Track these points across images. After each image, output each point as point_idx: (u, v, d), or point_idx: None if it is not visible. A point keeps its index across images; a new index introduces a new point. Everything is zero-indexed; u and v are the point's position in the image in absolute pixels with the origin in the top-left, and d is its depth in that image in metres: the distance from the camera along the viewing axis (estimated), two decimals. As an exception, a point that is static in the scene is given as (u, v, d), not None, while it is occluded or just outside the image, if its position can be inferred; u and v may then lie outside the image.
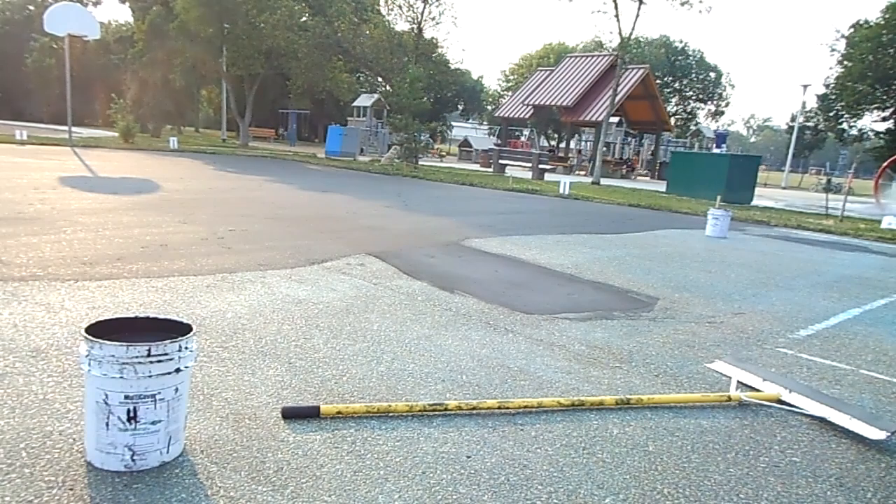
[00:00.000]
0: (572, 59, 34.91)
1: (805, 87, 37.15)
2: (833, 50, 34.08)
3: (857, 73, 30.98)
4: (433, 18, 30.92)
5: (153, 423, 2.18)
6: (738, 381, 3.59)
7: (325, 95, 39.06)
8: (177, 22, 29.57)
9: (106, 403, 2.13)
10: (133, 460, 2.18)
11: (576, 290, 5.75)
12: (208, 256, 5.73)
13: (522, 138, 43.81)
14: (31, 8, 48.22)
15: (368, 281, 5.33)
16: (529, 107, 33.28)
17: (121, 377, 2.11)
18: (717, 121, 62.89)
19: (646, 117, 33.95)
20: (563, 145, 42.18)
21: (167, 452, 2.25)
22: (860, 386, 3.76)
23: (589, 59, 33.63)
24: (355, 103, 39.14)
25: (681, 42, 59.10)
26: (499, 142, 36.63)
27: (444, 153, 43.85)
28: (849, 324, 5.26)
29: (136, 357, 2.11)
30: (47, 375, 2.89)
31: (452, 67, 39.88)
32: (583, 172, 31.66)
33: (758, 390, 3.48)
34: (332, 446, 2.49)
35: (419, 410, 2.84)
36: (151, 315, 2.52)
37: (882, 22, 30.45)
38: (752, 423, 3.08)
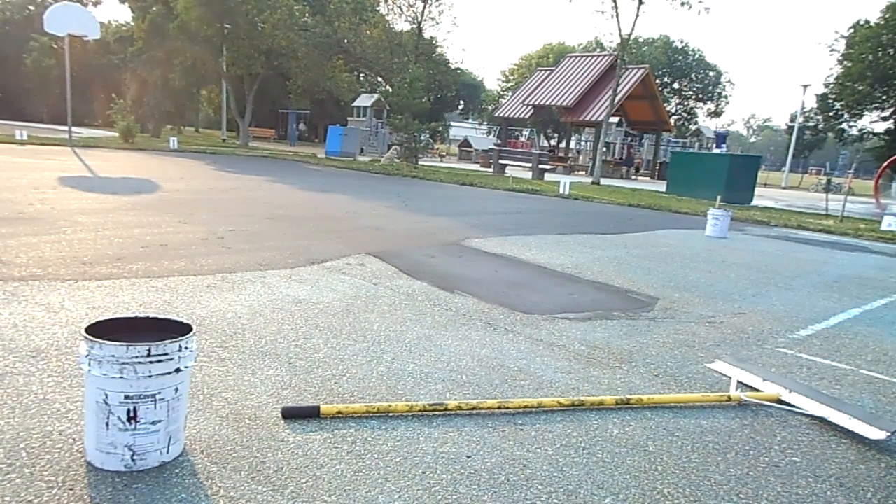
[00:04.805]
0: (572, 59, 34.90)
1: (805, 87, 37.17)
2: (833, 50, 34.13)
3: (856, 73, 31.00)
4: (433, 18, 30.97)
5: (153, 423, 2.18)
6: (738, 381, 3.59)
7: (325, 95, 39.05)
8: (177, 21, 29.57)
9: (106, 403, 2.13)
10: (133, 460, 2.18)
11: (576, 290, 5.75)
12: (208, 256, 5.73)
13: (522, 138, 43.80)
14: (31, 8, 48.18)
15: (368, 281, 5.34)
16: (529, 107, 33.28)
17: (121, 377, 2.11)
18: (716, 120, 62.96)
19: (646, 117, 33.96)
20: (563, 145, 42.20)
21: (167, 452, 2.25)
22: (860, 386, 3.76)
23: (589, 59, 33.64)
24: (355, 103, 39.13)
25: (681, 42, 59.14)
26: (499, 142, 36.64)
27: (444, 153, 43.85)
28: (849, 324, 5.26)
29: (136, 357, 2.11)
30: (47, 375, 2.89)
31: (452, 67, 39.91)
32: (583, 173, 31.68)
33: (758, 390, 3.48)
34: (332, 446, 2.49)
35: (419, 410, 2.84)
36: (151, 315, 2.52)
37: (882, 22, 30.46)
38: (752, 423, 3.08)
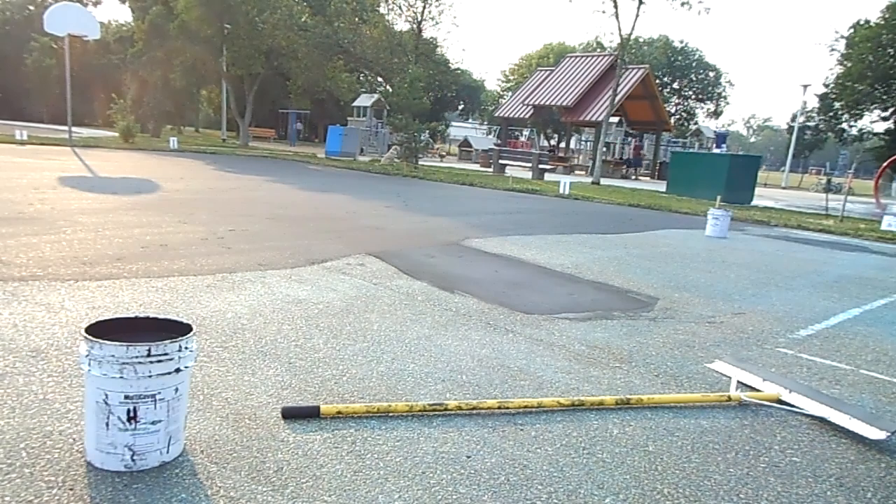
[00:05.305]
0: (572, 59, 34.90)
1: (805, 87, 37.19)
2: (833, 50, 34.11)
3: (856, 73, 30.97)
4: (433, 18, 31.00)
5: (153, 423, 2.18)
6: (738, 381, 3.59)
7: (325, 95, 39.06)
8: (177, 21, 29.59)
9: (106, 403, 2.13)
10: (133, 460, 2.18)
11: (576, 290, 5.75)
12: (208, 256, 5.73)
13: (522, 138, 43.80)
14: (31, 8, 48.20)
15: (368, 281, 5.34)
16: (529, 107, 33.28)
17: (121, 377, 2.11)
18: (716, 120, 62.97)
19: (646, 117, 33.96)
20: (563, 145, 42.18)
21: (167, 452, 2.25)
22: (860, 386, 3.76)
23: (589, 59, 33.63)
24: (355, 103, 39.12)
25: (681, 42, 59.15)
26: (499, 142, 36.65)
27: (444, 153, 43.86)
28: (849, 324, 5.26)
29: (136, 357, 2.11)
30: (47, 375, 2.89)
31: (452, 67, 39.92)
32: (582, 173, 31.68)
33: (758, 390, 3.48)
34: (332, 446, 2.49)
35: (419, 410, 2.84)
36: (151, 315, 2.52)
37: (882, 22, 30.43)
38: (752, 423, 3.08)
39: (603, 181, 23.57)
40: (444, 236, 8.16)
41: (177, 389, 2.23)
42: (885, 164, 20.31)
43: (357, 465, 2.36)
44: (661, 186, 22.80)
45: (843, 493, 2.48)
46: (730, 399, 3.30)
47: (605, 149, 26.14)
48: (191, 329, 2.33)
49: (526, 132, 44.22)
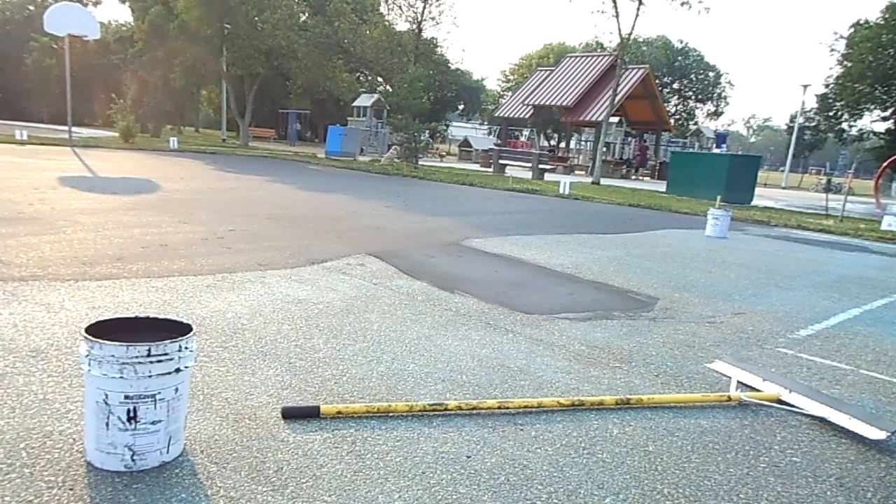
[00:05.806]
0: (572, 59, 34.91)
1: (805, 87, 37.24)
2: (833, 50, 34.09)
3: (856, 73, 30.95)
4: (433, 18, 31.00)
5: (153, 423, 2.18)
6: (738, 381, 3.59)
7: (325, 95, 39.05)
8: (177, 22, 29.60)
9: (106, 403, 2.13)
10: (133, 460, 2.18)
11: (576, 290, 5.75)
12: (208, 256, 5.73)
13: (522, 138, 43.81)
14: (31, 8, 48.19)
15: (368, 281, 5.34)
16: (529, 107, 33.29)
17: (121, 377, 2.11)
18: (716, 120, 62.99)
19: (646, 117, 33.97)
20: (563, 145, 42.16)
21: (167, 452, 2.25)
22: (860, 386, 3.76)
23: (589, 59, 33.64)
24: (355, 103, 39.08)
25: (680, 42, 59.18)
26: (499, 142, 36.63)
27: (444, 153, 43.86)
28: (849, 324, 5.26)
29: (136, 357, 2.11)
30: (47, 375, 2.89)
31: (452, 67, 39.92)
32: (582, 173, 31.69)
33: (758, 390, 3.48)
34: (332, 446, 2.49)
35: (419, 410, 2.84)
36: (151, 315, 2.52)
37: (882, 22, 30.42)
38: (752, 423, 3.08)
39: (603, 181, 23.58)
40: (444, 236, 8.16)
41: (177, 389, 2.23)
42: (885, 164, 20.31)
43: (357, 465, 2.36)
44: (661, 186, 22.81)
45: (843, 493, 2.48)
46: (730, 399, 3.30)
47: (605, 149, 26.15)
48: (191, 329, 2.33)
49: (526, 132, 44.22)
